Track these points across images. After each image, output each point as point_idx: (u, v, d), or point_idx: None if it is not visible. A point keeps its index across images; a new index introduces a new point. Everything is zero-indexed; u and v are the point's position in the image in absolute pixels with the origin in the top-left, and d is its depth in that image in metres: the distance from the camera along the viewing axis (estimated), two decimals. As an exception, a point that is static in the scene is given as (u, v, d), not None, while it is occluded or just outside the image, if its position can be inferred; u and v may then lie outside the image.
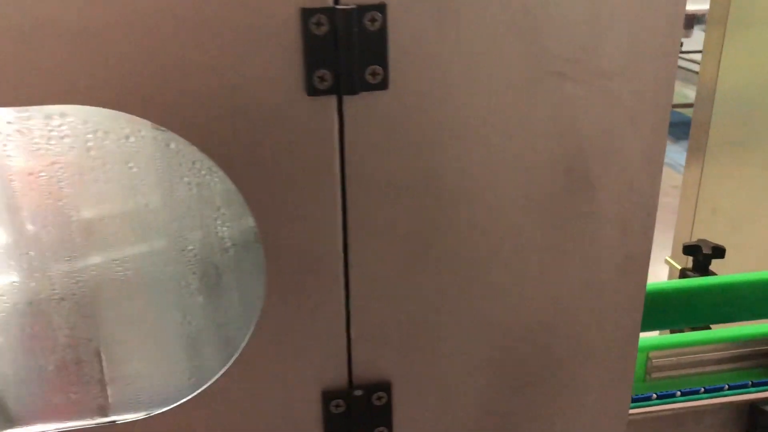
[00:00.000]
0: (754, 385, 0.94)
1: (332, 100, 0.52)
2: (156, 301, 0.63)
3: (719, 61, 1.38)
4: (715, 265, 1.52)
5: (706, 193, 1.46)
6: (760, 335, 0.91)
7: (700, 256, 1.07)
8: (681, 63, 6.40)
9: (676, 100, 4.80)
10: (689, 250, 1.09)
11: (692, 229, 1.51)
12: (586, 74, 0.56)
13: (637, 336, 0.66)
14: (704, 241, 1.10)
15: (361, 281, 0.58)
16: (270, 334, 0.58)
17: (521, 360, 0.64)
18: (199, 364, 0.68)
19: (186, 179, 0.53)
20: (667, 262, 1.18)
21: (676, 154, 5.15)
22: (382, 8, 0.51)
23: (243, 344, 0.58)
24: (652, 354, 0.90)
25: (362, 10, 0.50)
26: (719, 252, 1.08)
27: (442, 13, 0.52)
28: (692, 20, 4.62)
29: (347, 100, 0.53)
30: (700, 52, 5.42)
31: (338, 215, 0.55)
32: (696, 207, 1.49)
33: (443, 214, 0.58)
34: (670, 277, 1.41)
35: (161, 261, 0.56)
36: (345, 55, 0.50)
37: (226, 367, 0.59)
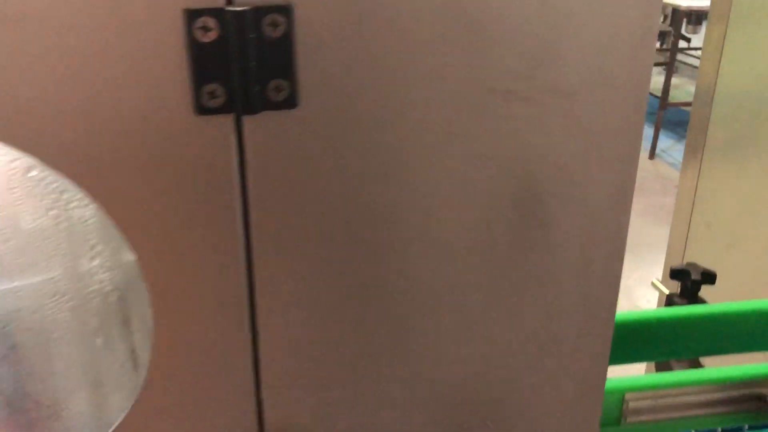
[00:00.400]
0: (750, 428, 0.86)
1: (228, 120, 0.43)
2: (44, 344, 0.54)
3: (719, 59, 1.28)
4: (706, 289, 1.43)
5: (702, 206, 1.37)
6: (749, 377, 0.82)
7: (689, 282, 0.98)
8: (689, 60, 6.29)
9: (684, 98, 4.78)
10: (677, 274, 1.00)
11: (685, 245, 1.41)
12: (539, 93, 0.47)
13: (601, 394, 0.57)
14: (693, 265, 1.00)
15: (270, 327, 0.49)
16: (163, 385, 0.50)
17: (465, 422, 0.55)
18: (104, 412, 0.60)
19: (53, 212, 0.44)
20: (654, 285, 1.09)
21: (679, 153, 5.06)
22: (286, 11, 0.41)
23: (136, 395, 0.50)
24: (628, 396, 0.81)
25: (260, 12, 0.41)
26: (709, 278, 0.99)
27: (364, 18, 0.43)
28: (701, 17, 4.50)
29: (247, 120, 0.44)
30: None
31: (240, 256, 0.47)
32: (690, 221, 1.39)
33: (368, 254, 0.49)
34: (659, 301, 1.32)
35: (29, 306, 0.47)
36: (239, 67, 0.41)
37: (115, 425, 0.50)
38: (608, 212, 0.51)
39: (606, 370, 0.56)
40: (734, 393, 0.82)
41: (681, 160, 4.63)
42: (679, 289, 1.00)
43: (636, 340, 0.98)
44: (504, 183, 0.48)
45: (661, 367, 1.03)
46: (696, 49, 6.42)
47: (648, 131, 5.00)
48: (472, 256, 0.50)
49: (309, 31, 0.42)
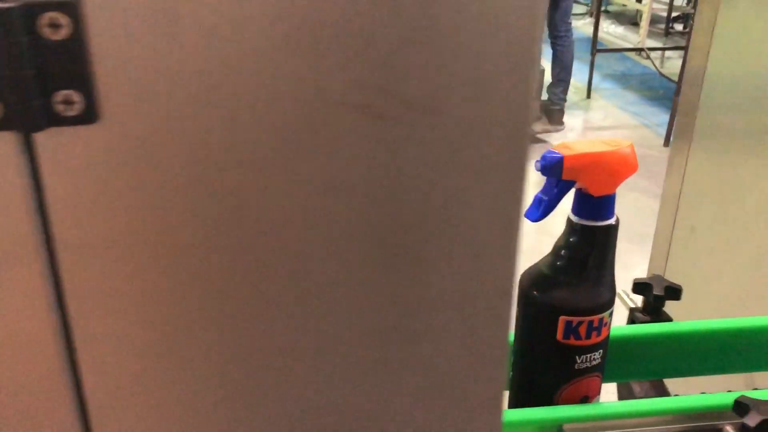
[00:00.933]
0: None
1: (10, 138, 0.36)
2: None
3: (711, 40, 1.18)
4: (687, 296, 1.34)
5: (686, 208, 1.28)
6: (703, 408, 0.75)
7: (651, 296, 0.90)
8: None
9: None
10: (639, 288, 0.92)
11: (669, 249, 1.33)
12: (400, 109, 0.39)
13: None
14: (658, 278, 0.92)
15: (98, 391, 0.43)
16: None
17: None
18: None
19: None
20: (619, 297, 1.01)
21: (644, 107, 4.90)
22: (69, 8, 0.34)
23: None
24: (566, 427, 0.74)
25: (33, 10, 0.34)
26: (674, 293, 0.91)
27: (179, 18, 0.36)
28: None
29: (39, 139, 0.37)
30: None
31: (46, 304, 0.40)
32: (675, 222, 1.31)
33: (204, 297, 0.42)
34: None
35: None
36: (9, 76, 0.34)
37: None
38: (492, 246, 0.43)
39: (500, 413, 0.49)
40: (685, 426, 0.75)
41: None
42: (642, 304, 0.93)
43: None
44: (369, 213, 0.41)
45: (621, 389, 0.96)
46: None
47: (664, 117, 4.85)
48: (335, 299, 0.43)
49: (107, 32, 0.35)
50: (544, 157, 0.70)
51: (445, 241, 0.42)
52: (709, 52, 1.18)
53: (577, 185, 0.72)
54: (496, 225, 0.42)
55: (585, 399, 0.78)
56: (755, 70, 1.10)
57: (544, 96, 4.98)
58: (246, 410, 0.44)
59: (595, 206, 0.72)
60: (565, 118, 5.25)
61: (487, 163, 0.41)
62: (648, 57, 6.03)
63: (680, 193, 1.27)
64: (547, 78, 4.92)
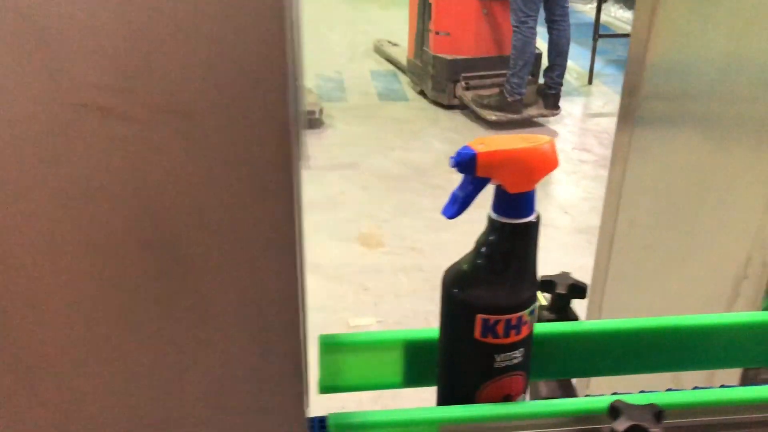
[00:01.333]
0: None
1: None
2: None
3: (651, 25, 1.14)
4: (630, 289, 1.32)
5: (627, 198, 1.25)
6: (583, 411, 0.73)
7: (555, 294, 0.88)
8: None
9: None
10: (545, 285, 0.90)
11: (612, 243, 1.30)
12: (144, 111, 0.38)
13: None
14: (564, 275, 0.90)
15: None
16: None
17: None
18: None
19: None
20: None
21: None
22: None
23: None
24: (443, 429, 0.72)
25: None
26: (578, 291, 0.89)
27: None
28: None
29: None
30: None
31: None
32: (617, 215, 1.28)
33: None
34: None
35: None
36: None
37: None
38: (268, 249, 0.42)
39: (301, 416, 0.48)
40: (560, 429, 0.73)
41: None
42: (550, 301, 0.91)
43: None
44: (127, 218, 0.40)
45: (532, 388, 0.94)
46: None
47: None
48: (95, 310, 0.41)
49: None
50: (458, 153, 0.68)
51: (215, 247, 0.41)
52: (648, 38, 1.14)
53: (495, 182, 0.71)
54: (267, 229, 0.41)
55: (507, 398, 0.77)
56: (691, 59, 1.07)
57: (541, 80, 4.93)
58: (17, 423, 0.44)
59: (513, 203, 0.70)
60: (565, 104, 5.18)
61: (248, 167, 0.39)
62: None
63: (622, 185, 1.25)
64: (545, 62, 4.87)
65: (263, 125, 0.38)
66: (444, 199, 0.70)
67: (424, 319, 2.89)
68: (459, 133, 4.73)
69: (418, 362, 0.85)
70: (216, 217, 0.40)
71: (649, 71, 1.15)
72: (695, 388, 0.83)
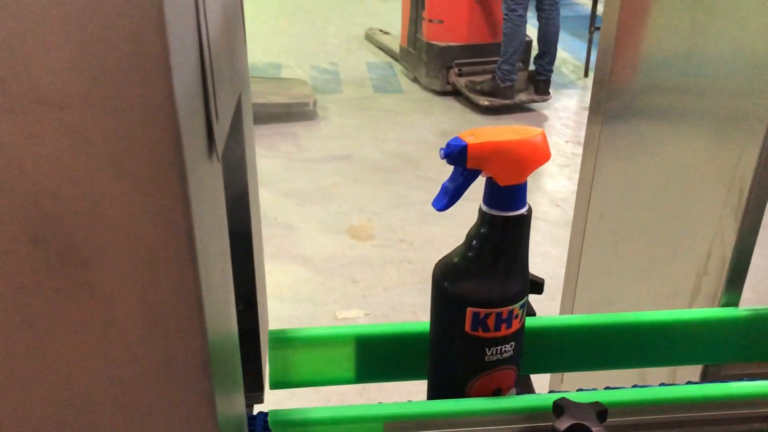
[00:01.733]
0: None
1: None
2: None
3: (619, 15, 1.13)
4: (602, 286, 1.31)
5: (597, 193, 1.24)
6: (532, 408, 0.72)
7: (511, 290, 0.87)
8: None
9: None
10: (502, 281, 0.89)
11: (583, 237, 1.29)
12: (25, 102, 0.37)
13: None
14: (522, 271, 0.89)
15: None
16: None
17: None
18: None
19: None
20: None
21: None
22: None
23: None
24: (387, 425, 0.71)
25: None
26: (536, 287, 0.88)
27: None
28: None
29: None
30: None
31: None
32: (588, 209, 1.27)
33: None
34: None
35: None
36: None
37: None
38: (163, 248, 0.41)
39: (210, 419, 0.47)
40: (515, 426, 0.72)
41: None
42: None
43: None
44: (16, 213, 0.39)
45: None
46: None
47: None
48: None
49: None
50: (448, 145, 0.67)
51: (109, 242, 0.40)
52: (616, 32, 1.13)
53: (486, 174, 0.70)
54: (160, 224, 0.40)
55: (498, 391, 0.76)
56: (657, 53, 1.06)
57: (532, 67, 4.95)
58: None
59: (503, 196, 0.70)
60: (560, 97, 5.17)
61: (132, 160, 0.38)
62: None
63: (593, 178, 1.24)
64: (535, 49, 4.87)
65: (145, 116, 0.37)
66: (436, 191, 0.69)
67: (412, 312, 2.88)
68: (453, 122, 4.71)
69: (370, 358, 0.84)
70: (108, 211, 0.39)
71: (617, 65, 1.14)
72: (634, 386, 0.82)
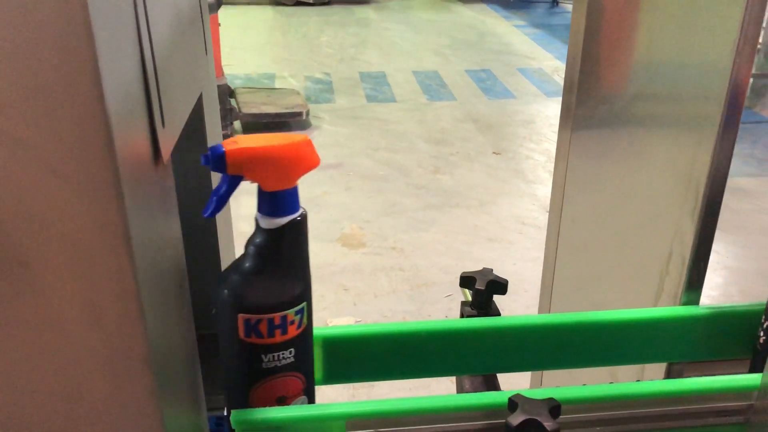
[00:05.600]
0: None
1: None
2: None
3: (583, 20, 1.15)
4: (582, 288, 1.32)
5: (569, 196, 1.26)
6: (489, 406, 0.73)
7: (475, 290, 0.88)
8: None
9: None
10: (465, 281, 0.90)
11: (557, 242, 1.31)
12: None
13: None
14: (485, 272, 0.91)
15: None
16: None
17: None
18: None
19: None
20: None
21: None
22: None
23: None
24: (349, 423, 0.73)
25: None
26: (499, 287, 0.89)
27: None
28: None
29: None
30: None
31: None
32: (561, 212, 1.29)
33: None
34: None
35: None
36: None
37: None
38: (100, 250, 0.42)
39: (159, 410, 0.48)
40: (473, 423, 0.74)
41: None
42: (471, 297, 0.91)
43: (424, 352, 0.90)
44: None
45: (459, 383, 0.95)
46: None
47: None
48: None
49: None
50: (209, 150, 0.66)
51: (50, 245, 0.42)
52: (583, 41, 1.15)
53: (251, 180, 0.68)
54: (96, 227, 0.42)
55: (282, 399, 0.75)
56: (620, 61, 1.08)
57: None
58: None
59: (271, 201, 0.69)
60: (553, 105, 5.19)
61: (66, 163, 0.40)
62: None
63: (565, 182, 1.25)
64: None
65: (76, 121, 0.38)
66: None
67: (402, 318, 2.89)
68: (447, 134, 4.73)
69: (337, 359, 0.85)
70: (46, 213, 0.41)
71: (584, 73, 1.16)
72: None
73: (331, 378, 0.86)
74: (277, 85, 5.49)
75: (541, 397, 0.70)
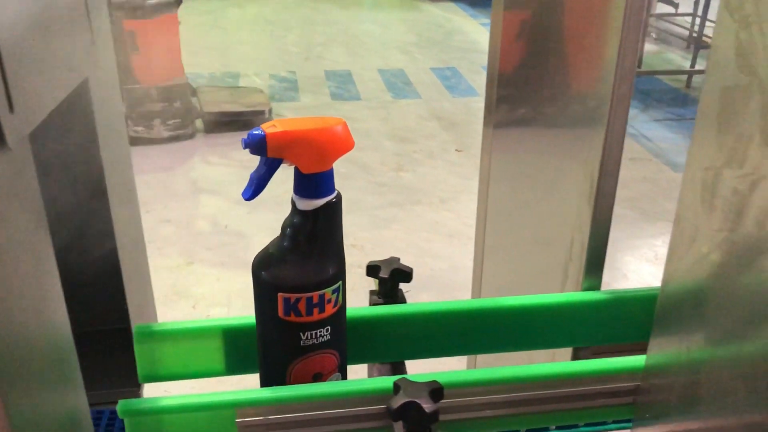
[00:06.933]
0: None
1: None
2: None
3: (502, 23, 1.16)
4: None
5: (494, 186, 1.27)
6: (375, 391, 0.74)
7: (380, 279, 0.89)
8: (676, 29, 6.06)
9: (660, 66, 4.75)
10: (371, 270, 0.91)
11: (484, 234, 1.32)
12: None
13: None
14: (391, 260, 0.91)
15: None
16: None
17: None
18: None
19: None
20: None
21: (641, 123, 4.90)
22: None
23: None
24: (239, 411, 0.73)
25: None
26: (404, 276, 0.90)
27: None
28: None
29: None
30: (689, 15, 5.11)
31: None
32: (487, 203, 1.30)
33: None
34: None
35: None
36: None
37: None
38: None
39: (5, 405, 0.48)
40: (360, 408, 0.74)
41: (642, 131, 4.49)
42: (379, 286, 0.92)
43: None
44: None
45: (369, 371, 0.96)
46: (684, 14, 6.19)
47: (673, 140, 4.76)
48: None
49: None
50: (248, 135, 0.69)
51: None
52: (501, 39, 1.16)
53: (290, 163, 0.72)
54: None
55: (318, 376, 0.78)
56: (532, 67, 1.09)
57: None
58: None
59: (308, 184, 0.72)
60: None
61: None
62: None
63: (489, 173, 1.27)
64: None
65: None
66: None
67: (359, 315, 2.89)
68: (410, 131, 4.75)
69: (239, 349, 0.86)
70: None
71: (501, 77, 1.18)
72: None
73: (233, 368, 0.86)
74: (242, 83, 5.47)
75: (427, 380, 0.71)
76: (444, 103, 5.32)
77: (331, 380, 0.79)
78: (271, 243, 0.77)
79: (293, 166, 0.73)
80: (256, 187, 0.72)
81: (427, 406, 0.67)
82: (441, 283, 3.17)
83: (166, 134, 4.26)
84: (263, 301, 0.76)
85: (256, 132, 0.69)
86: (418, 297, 2.26)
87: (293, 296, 0.73)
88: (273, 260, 0.75)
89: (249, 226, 3.42)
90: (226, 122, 4.44)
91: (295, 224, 0.74)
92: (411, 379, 0.71)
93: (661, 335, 0.72)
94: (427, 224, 3.63)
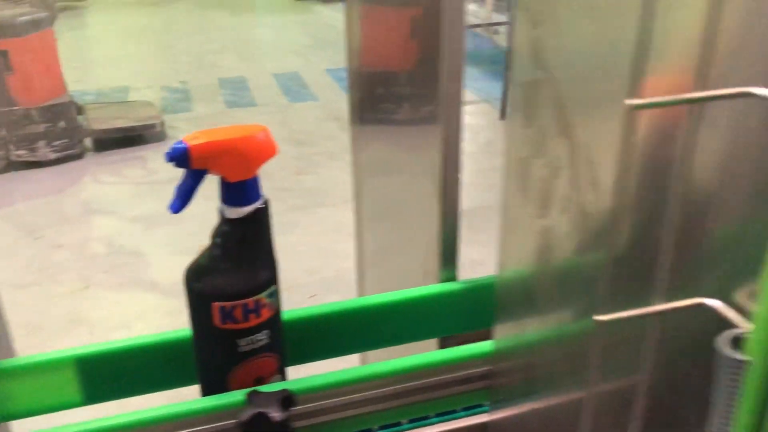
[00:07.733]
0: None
1: None
2: None
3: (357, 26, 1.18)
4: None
5: (368, 182, 1.29)
6: (227, 406, 0.74)
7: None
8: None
9: None
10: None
11: (362, 226, 1.34)
12: None
13: None
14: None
15: None
16: None
17: None
18: None
19: None
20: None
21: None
22: None
23: None
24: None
25: None
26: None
27: None
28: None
29: None
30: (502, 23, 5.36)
31: None
32: (363, 198, 1.31)
33: None
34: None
35: None
36: None
37: None
38: None
39: None
40: (217, 425, 0.74)
41: (491, 94, 4.64)
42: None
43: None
44: None
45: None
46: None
47: (499, 89, 4.94)
48: None
49: None
50: (171, 148, 0.69)
51: None
52: (356, 43, 1.18)
53: (214, 173, 0.71)
54: None
55: (260, 380, 0.78)
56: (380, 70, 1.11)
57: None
58: None
59: (235, 192, 0.72)
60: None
61: None
62: (496, 32, 6.19)
63: (363, 178, 1.28)
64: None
65: None
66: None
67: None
68: (309, 134, 4.74)
69: (96, 378, 0.83)
70: None
71: (361, 77, 1.20)
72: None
73: (91, 398, 0.84)
74: (132, 97, 5.30)
75: (279, 389, 0.71)
76: (341, 104, 5.33)
77: (272, 383, 0.78)
78: (201, 254, 0.77)
79: (218, 176, 0.73)
80: (182, 200, 0.72)
81: (276, 415, 0.67)
82: (348, 284, 3.19)
83: (52, 156, 4.07)
84: (198, 311, 0.76)
85: (179, 145, 0.68)
86: (326, 299, 2.25)
87: (228, 304, 0.73)
88: (205, 270, 0.75)
89: (147, 244, 3.32)
90: (116, 139, 4.30)
91: (225, 233, 0.74)
92: (264, 389, 0.71)
93: (502, 321, 0.75)
94: (332, 226, 3.63)
